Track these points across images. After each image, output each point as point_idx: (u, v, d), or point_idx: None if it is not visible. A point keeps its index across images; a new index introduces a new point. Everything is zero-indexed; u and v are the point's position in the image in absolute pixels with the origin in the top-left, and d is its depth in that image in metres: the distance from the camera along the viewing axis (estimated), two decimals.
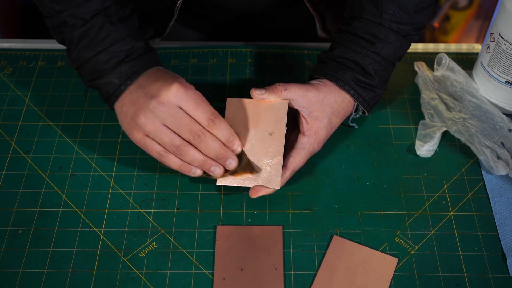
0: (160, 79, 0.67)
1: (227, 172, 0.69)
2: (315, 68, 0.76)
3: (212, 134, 0.66)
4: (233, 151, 0.68)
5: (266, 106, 0.72)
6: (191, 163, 0.67)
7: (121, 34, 0.69)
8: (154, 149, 0.67)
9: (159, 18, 0.90)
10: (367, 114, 0.76)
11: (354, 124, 0.80)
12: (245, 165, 0.70)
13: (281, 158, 0.70)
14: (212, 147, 0.66)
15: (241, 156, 0.70)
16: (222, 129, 0.66)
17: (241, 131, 0.71)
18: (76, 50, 0.70)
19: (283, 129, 0.71)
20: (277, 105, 0.72)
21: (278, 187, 0.69)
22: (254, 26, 0.97)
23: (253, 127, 0.71)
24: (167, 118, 0.65)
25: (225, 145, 0.67)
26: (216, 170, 0.68)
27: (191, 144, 0.66)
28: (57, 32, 0.71)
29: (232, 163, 0.68)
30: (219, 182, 0.70)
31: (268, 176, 0.70)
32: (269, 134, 0.71)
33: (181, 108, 0.65)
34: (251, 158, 0.70)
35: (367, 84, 0.73)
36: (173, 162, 0.67)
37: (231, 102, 0.73)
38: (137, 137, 0.67)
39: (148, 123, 0.65)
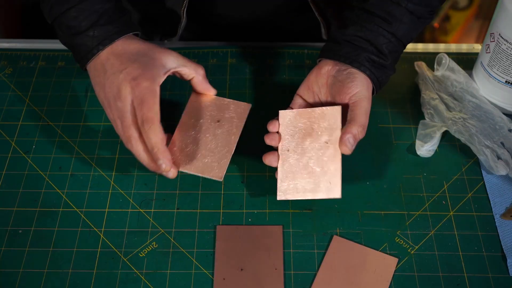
0: (126, 63, 0.70)
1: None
2: (327, 48, 0.75)
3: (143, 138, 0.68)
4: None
5: (319, 113, 0.72)
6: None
7: None
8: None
9: (167, 20, 0.90)
10: (374, 94, 0.75)
11: None
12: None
13: (339, 165, 0.69)
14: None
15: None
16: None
17: (297, 142, 0.71)
18: (49, 4, 0.72)
19: (339, 135, 0.70)
20: (330, 111, 0.71)
21: (339, 196, 0.68)
22: (256, 34, 0.96)
23: (308, 137, 0.71)
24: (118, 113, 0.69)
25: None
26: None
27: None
28: None
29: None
30: (280, 197, 0.70)
31: (328, 186, 0.68)
32: (325, 142, 0.70)
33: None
34: (305, 170, 0.70)
35: (380, 64, 0.72)
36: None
37: (284, 115, 0.73)
38: (100, 96, 0.72)
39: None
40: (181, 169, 0.70)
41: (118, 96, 0.68)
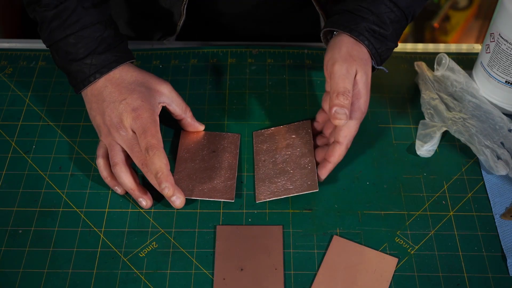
0: (125, 93, 0.71)
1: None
2: (329, 21, 0.76)
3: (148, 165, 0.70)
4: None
5: (290, 128, 0.77)
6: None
7: (91, 19, 0.71)
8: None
9: (166, 18, 0.90)
10: (376, 68, 0.75)
11: (382, 68, 0.77)
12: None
13: (313, 162, 0.74)
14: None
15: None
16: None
17: (272, 154, 0.76)
18: (48, 29, 0.72)
19: (310, 140, 0.75)
20: (302, 124, 0.77)
21: (316, 189, 0.72)
22: (258, 32, 0.96)
23: (283, 147, 0.76)
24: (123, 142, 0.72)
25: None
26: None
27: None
28: (31, 9, 0.73)
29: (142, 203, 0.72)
30: (258, 200, 0.73)
31: (304, 183, 0.72)
32: (298, 149, 0.75)
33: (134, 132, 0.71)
34: (281, 173, 0.74)
35: (380, 35, 0.73)
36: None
37: (257, 134, 0.79)
38: (97, 120, 0.74)
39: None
40: (189, 197, 0.72)
41: (121, 126, 0.70)
